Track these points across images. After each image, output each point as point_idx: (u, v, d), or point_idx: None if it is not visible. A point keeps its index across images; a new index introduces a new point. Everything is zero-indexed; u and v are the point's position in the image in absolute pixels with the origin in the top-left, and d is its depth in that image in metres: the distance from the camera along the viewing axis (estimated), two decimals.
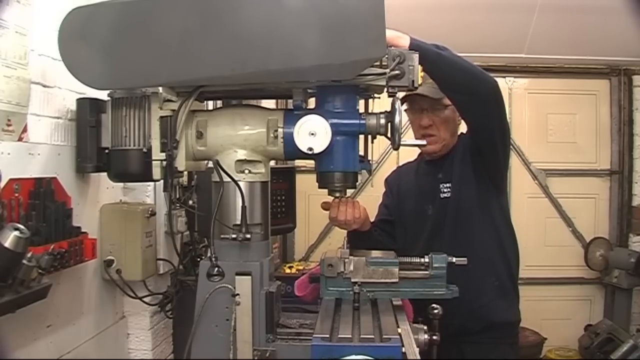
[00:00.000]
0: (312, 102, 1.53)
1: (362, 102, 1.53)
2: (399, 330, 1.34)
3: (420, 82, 1.41)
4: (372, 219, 2.08)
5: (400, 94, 1.46)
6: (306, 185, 2.80)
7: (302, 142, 1.39)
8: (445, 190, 2.00)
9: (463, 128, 2.05)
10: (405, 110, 2.02)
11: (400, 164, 2.39)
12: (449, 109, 1.98)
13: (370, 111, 1.53)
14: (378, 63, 1.38)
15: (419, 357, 1.27)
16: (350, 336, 1.29)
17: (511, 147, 2.26)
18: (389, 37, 1.47)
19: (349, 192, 1.57)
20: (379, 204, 2.28)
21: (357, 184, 1.52)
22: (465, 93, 1.75)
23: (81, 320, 1.87)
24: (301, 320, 1.65)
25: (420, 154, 2.23)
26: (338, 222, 1.79)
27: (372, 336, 1.29)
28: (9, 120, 1.49)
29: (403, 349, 1.25)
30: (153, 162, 1.47)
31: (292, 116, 1.43)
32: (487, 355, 1.91)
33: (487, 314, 1.92)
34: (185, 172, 1.50)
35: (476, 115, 1.83)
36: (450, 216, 1.97)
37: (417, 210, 2.07)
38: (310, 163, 1.51)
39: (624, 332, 3.77)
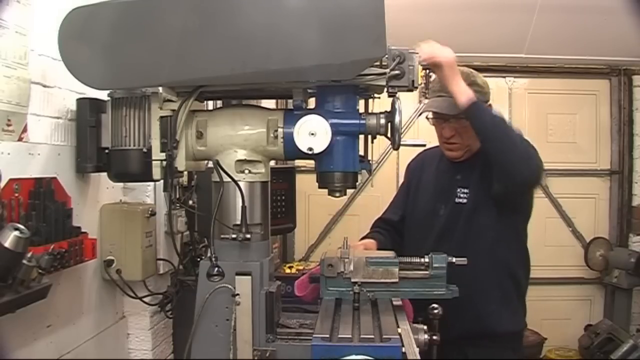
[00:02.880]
0: (312, 102, 1.53)
1: (362, 102, 1.53)
2: (399, 330, 1.34)
3: (420, 82, 1.41)
4: (372, 220, 2.08)
5: (401, 94, 1.46)
6: (306, 185, 2.81)
7: (302, 142, 1.39)
8: (461, 195, 1.94)
9: None
10: (427, 117, 2.00)
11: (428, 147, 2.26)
12: None
13: (370, 111, 1.53)
14: (378, 63, 1.38)
15: (419, 357, 1.27)
16: (350, 336, 1.29)
17: None
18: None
19: (349, 192, 1.57)
20: (396, 194, 2.24)
21: (357, 184, 1.52)
22: (505, 173, 1.76)
23: (81, 320, 1.87)
24: (301, 320, 1.65)
25: None
26: None
27: (372, 336, 1.29)
28: (9, 120, 1.49)
29: (403, 349, 1.25)
30: (153, 162, 1.47)
31: (292, 116, 1.43)
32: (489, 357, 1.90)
33: (490, 325, 1.89)
34: (185, 172, 1.50)
35: (509, 187, 1.81)
36: (462, 224, 1.92)
37: (429, 208, 2.03)
38: (310, 163, 1.51)
39: (624, 332, 3.77)
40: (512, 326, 1.97)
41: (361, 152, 1.51)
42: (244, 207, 1.42)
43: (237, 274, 1.40)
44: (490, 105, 1.94)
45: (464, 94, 1.72)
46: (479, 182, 1.91)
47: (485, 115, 1.75)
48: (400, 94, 1.45)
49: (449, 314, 1.49)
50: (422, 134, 4.08)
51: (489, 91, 1.98)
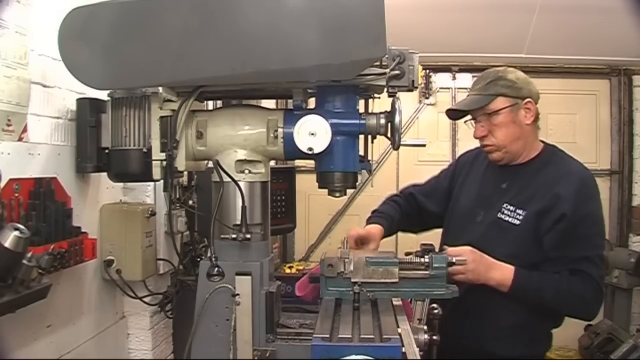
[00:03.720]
0: (312, 102, 1.53)
1: (362, 102, 1.53)
2: (399, 330, 1.34)
3: (420, 82, 1.41)
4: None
5: (401, 94, 1.46)
6: (306, 185, 2.80)
7: (302, 142, 1.39)
8: (508, 212, 1.82)
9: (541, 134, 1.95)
10: (465, 122, 1.93)
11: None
12: (502, 113, 1.81)
13: (370, 111, 1.53)
14: (378, 63, 1.38)
15: (418, 357, 1.27)
16: (350, 336, 1.29)
17: None
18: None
19: (349, 192, 1.57)
20: (436, 179, 2.16)
21: (357, 184, 1.52)
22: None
23: (81, 320, 1.87)
24: (301, 320, 1.65)
25: None
26: None
27: (372, 336, 1.29)
28: (9, 120, 1.49)
29: (403, 349, 1.25)
30: (153, 162, 1.47)
31: (292, 116, 1.43)
32: None
33: (495, 350, 1.80)
34: (185, 172, 1.51)
35: None
36: (506, 246, 1.77)
37: (468, 211, 1.95)
38: (310, 163, 1.51)
39: (624, 332, 3.77)
40: (521, 353, 1.81)
41: (361, 152, 1.51)
42: (244, 207, 1.42)
43: (237, 274, 1.40)
44: (530, 101, 1.85)
45: (502, 285, 1.71)
46: (533, 216, 1.77)
47: (529, 292, 1.72)
48: (400, 94, 1.45)
49: (455, 329, 1.50)
50: (422, 133, 4.08)
51: (528, 87, 1.87)
